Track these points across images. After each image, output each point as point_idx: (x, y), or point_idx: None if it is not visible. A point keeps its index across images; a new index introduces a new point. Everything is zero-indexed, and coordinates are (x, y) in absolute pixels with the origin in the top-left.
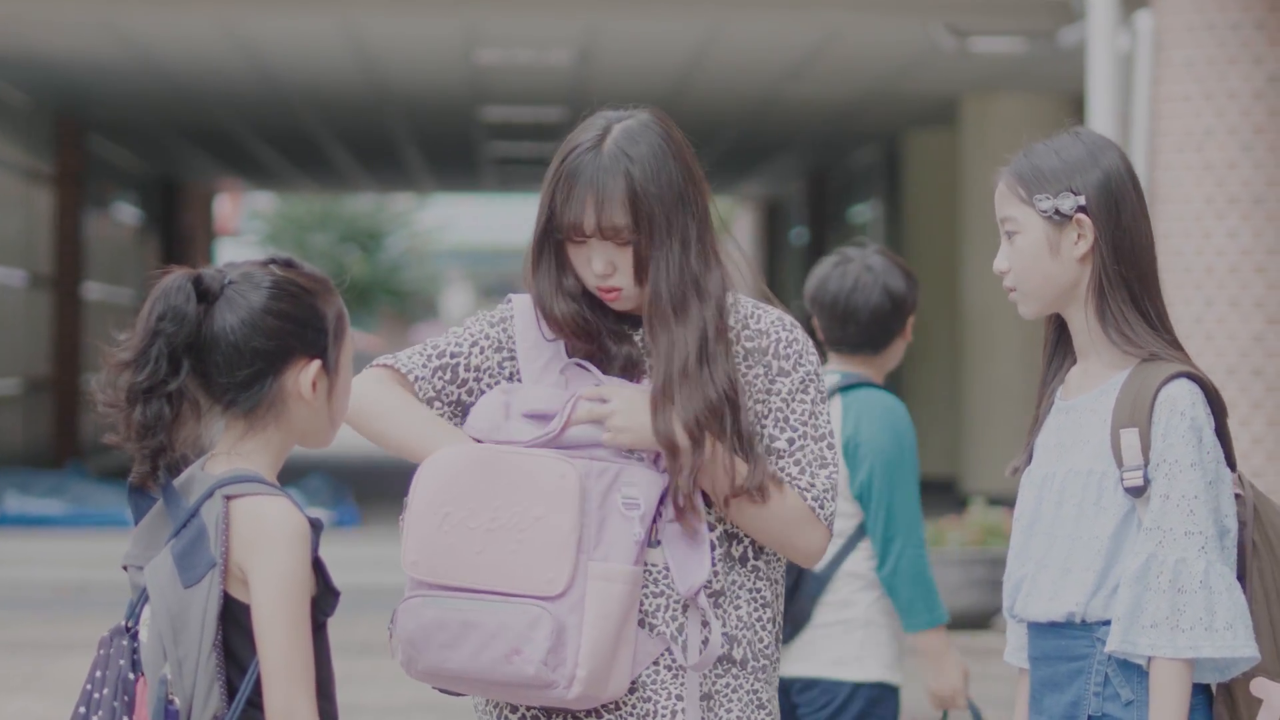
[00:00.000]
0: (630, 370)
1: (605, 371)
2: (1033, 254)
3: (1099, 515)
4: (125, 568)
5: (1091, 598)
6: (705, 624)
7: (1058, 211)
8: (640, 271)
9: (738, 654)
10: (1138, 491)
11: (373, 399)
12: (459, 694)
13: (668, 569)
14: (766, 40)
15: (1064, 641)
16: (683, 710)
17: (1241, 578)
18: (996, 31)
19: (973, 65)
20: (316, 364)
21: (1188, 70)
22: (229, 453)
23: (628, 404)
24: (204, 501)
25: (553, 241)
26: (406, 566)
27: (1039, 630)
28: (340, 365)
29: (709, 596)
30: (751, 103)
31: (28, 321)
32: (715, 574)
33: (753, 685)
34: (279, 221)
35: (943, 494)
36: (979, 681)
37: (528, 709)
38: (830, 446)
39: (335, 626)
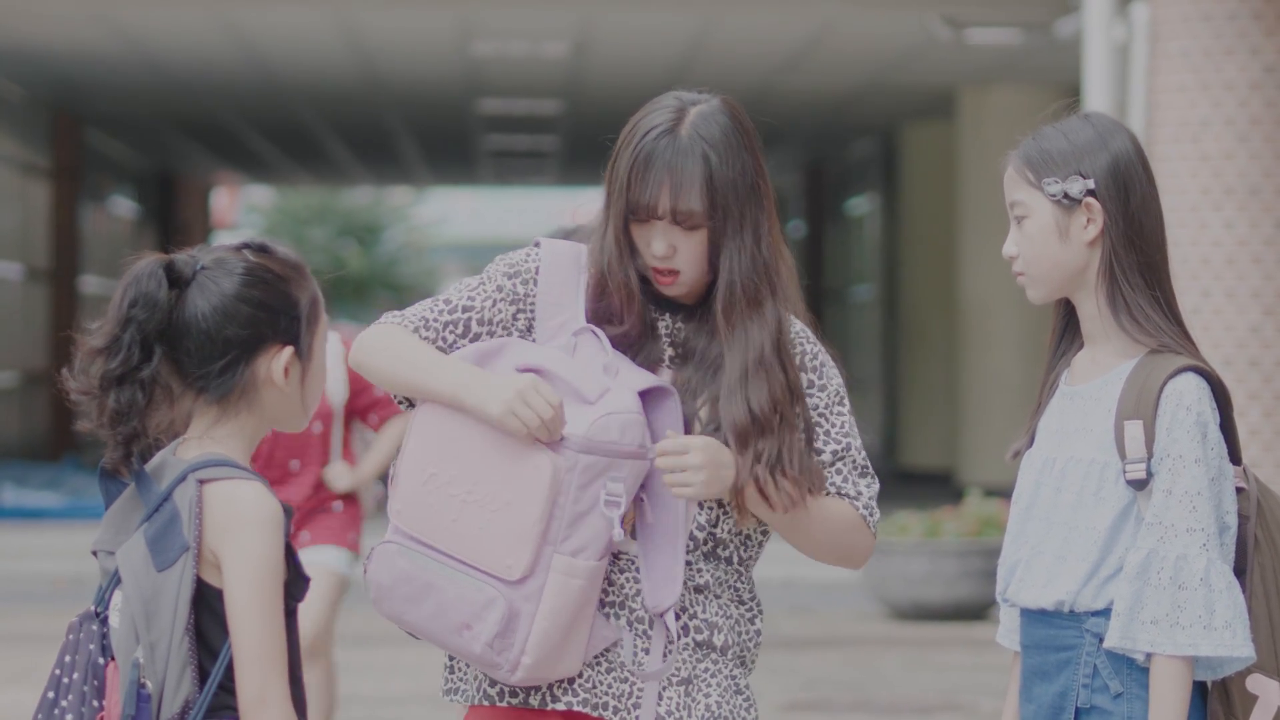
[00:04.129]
0: (648, 364)
1: (625, 346)
2: (1041, 238)
3: (1098, 505)
4: (95, 553)
5: (1083, 587)
6: (669, 637)
7: (1066, 195)
8: (711, 259)
9: (718, 640)
10: (1140, 485)
11: (376, 341)
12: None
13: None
14: (762, 32)
15: (1053, 630)
16: (661, 691)
17: (1241, 573)
18: (993, 23)
19: (969, 57)
20: (289, 350)
21: (1184, 61)
22: (201, 437)
23: (711, 460)
24: (177, 485)
25: (621, 215)
26: (391, 513)
27: (1030, 617)
28: (313, 350)
29: (694, 591)
30: (747, 95)
31: (24, 315)
32: (699, 570)
33: (731, 671)
34: (276, 215)
35: (939, 485)
36: (975, 671)
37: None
38: (866, 457)
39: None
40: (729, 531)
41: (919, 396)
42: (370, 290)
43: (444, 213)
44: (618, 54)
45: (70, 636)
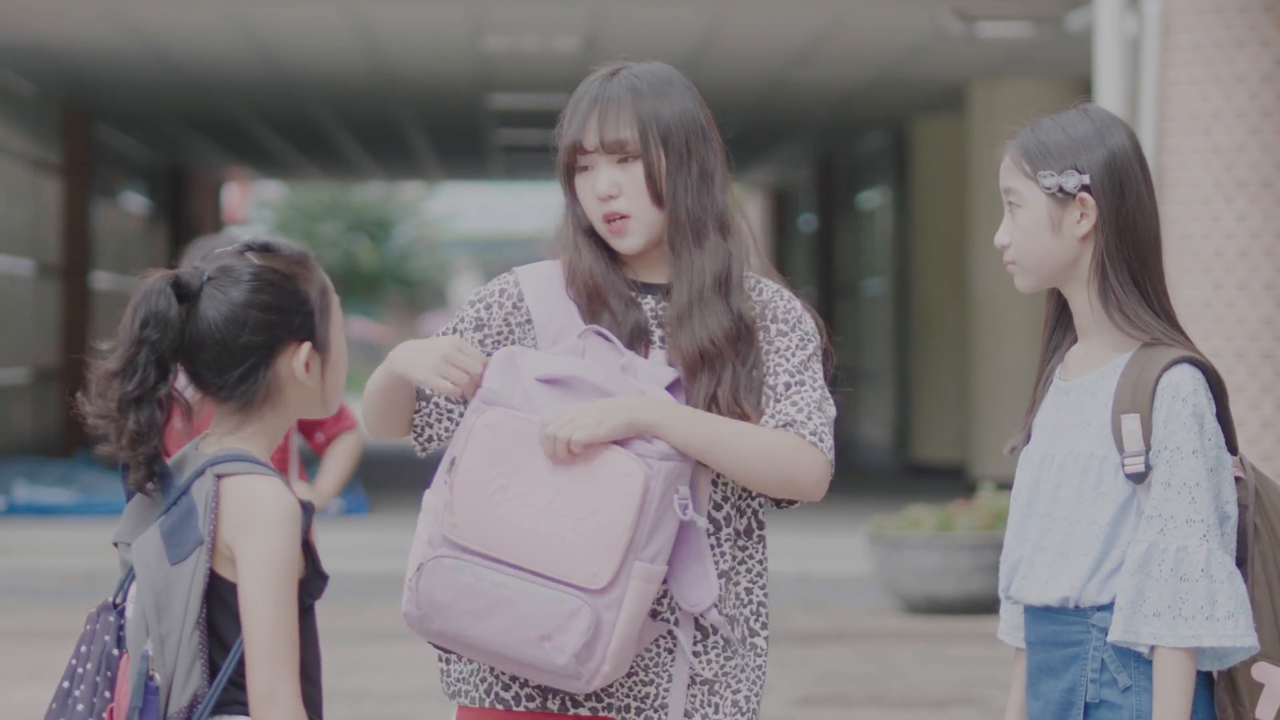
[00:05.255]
0: (638, 339)
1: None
2: (1034, 230)
3: (1098, 500)
4: (116, 544)
5: (1087, 583)
6: (722, 634)
7: (1061, 189)
8: (653, 193)
9: (737, 633)
10: (1139, 477)
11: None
12: (452, 653)
13: None
14: (773, 26)
15: (1059, 627)
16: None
17: (1242, 561)
18: (1004, 16)
19: (980, 50)
20: (307, 346)
21: (1195, 53)
22: (223, 435)
23: (581, 412)
24: (195, 480)
25: (570, 187)
26: (447, 528)
27: (1035, 614)
28: (331, 338)
29: (718, 577)
30: (758, 89)
31: (36, 311)
32: (723, 553)
33: (757, 663)
34: (287, 210)
35: (952, 479)
36: (988, 665)
37: (526, 683)
38: (828, 399)
39: (344, 613)
40: (733, 506)
41: (931, 390)
42: (381, 285)
43: (455, 208)
44: (629, 49)
45: (88, 627)
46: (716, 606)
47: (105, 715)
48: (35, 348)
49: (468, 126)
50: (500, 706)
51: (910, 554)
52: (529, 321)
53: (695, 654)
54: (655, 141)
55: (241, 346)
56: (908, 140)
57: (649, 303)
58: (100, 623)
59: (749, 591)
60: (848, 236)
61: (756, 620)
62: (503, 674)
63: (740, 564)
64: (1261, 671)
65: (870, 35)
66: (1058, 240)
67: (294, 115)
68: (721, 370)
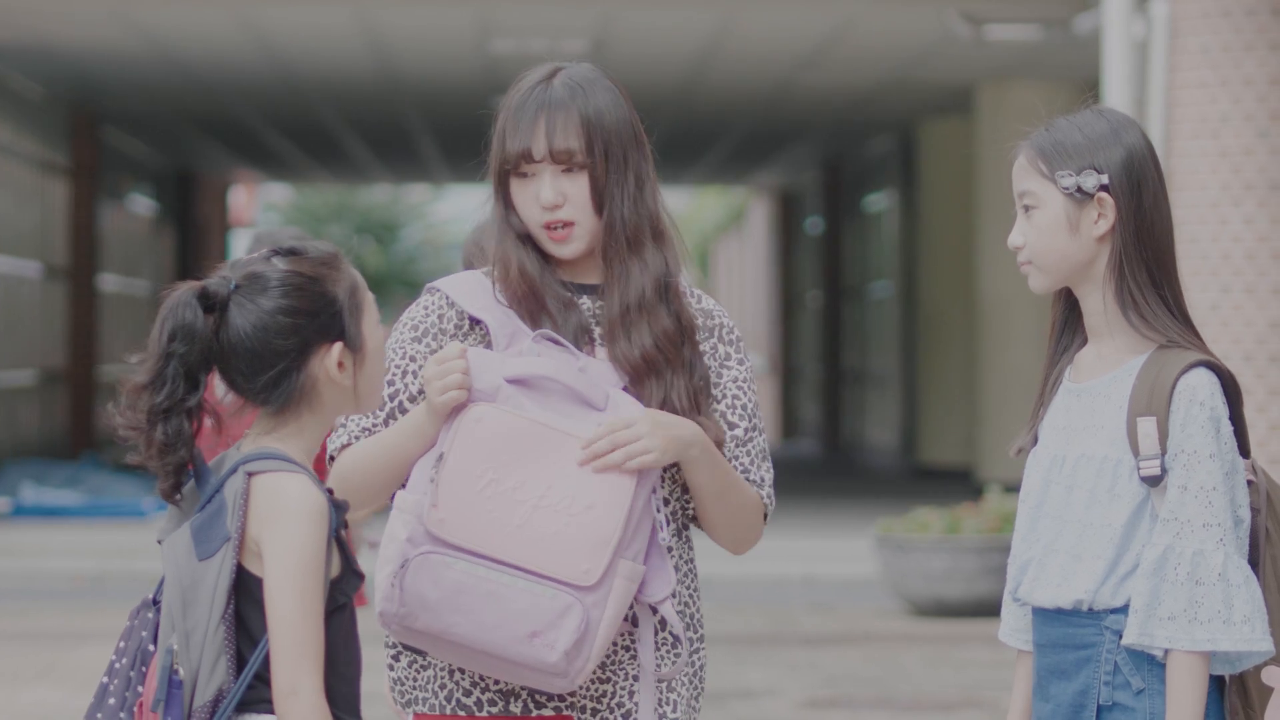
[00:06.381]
0: (581, 339)
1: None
2: (1051, 231)
3: (1112, 503)
4: (159, 542)
5: (1101, 585)
6: (665, 622)
7: (1080, 189)
8: (596, 202)
9: (683, 633)
10: (1154, 481)
11: (343, 476)
12: (421, 653)
13: None
14: (781, 29)
15: (1071, 629)
16: (638, 690)
17: (1254, 565)
18: (1012, 19)
19: (988, 53)
20: (338, 346)
21: (1203, 57)
22: (260, 435)
23: (657, 423)
24: (227, 478)
25: (504, 192)
26: (433, 523)
27: (1046, 616)
28: (364, 335)
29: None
30: (766, 92)
31: (43, 313)
32: (670, 550)
33: (699, 663)
34: (294, 213)
35: (959, 482)
36: (996, 668)
37: (488, 687)
38: (766, 441)
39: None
40: (671, 508)
41: (938, 393)
42: (388, 288)
43: (462, 210)
44: (636, 51)
45: (129, 623)
46: (672, 599)
47: (136, 709)
48: (42, 349)
49: (475, 129)
50: (462, 713)
51: (917, 556)
52: (470, 330)
53: (662, 645)
54: (600, 151)
55: (272, 352)
56: (915, 143)
57: (585, 303)
58: (139, 619)
59: (691, 592)
60: (855, 239)
61: (694, 620)
62: (463, 680)
63: (684, 560)
64: (1271, 675)
65: (878, 38)
66: (1075, 241)
67: (301, 118)
68: (671, 375)
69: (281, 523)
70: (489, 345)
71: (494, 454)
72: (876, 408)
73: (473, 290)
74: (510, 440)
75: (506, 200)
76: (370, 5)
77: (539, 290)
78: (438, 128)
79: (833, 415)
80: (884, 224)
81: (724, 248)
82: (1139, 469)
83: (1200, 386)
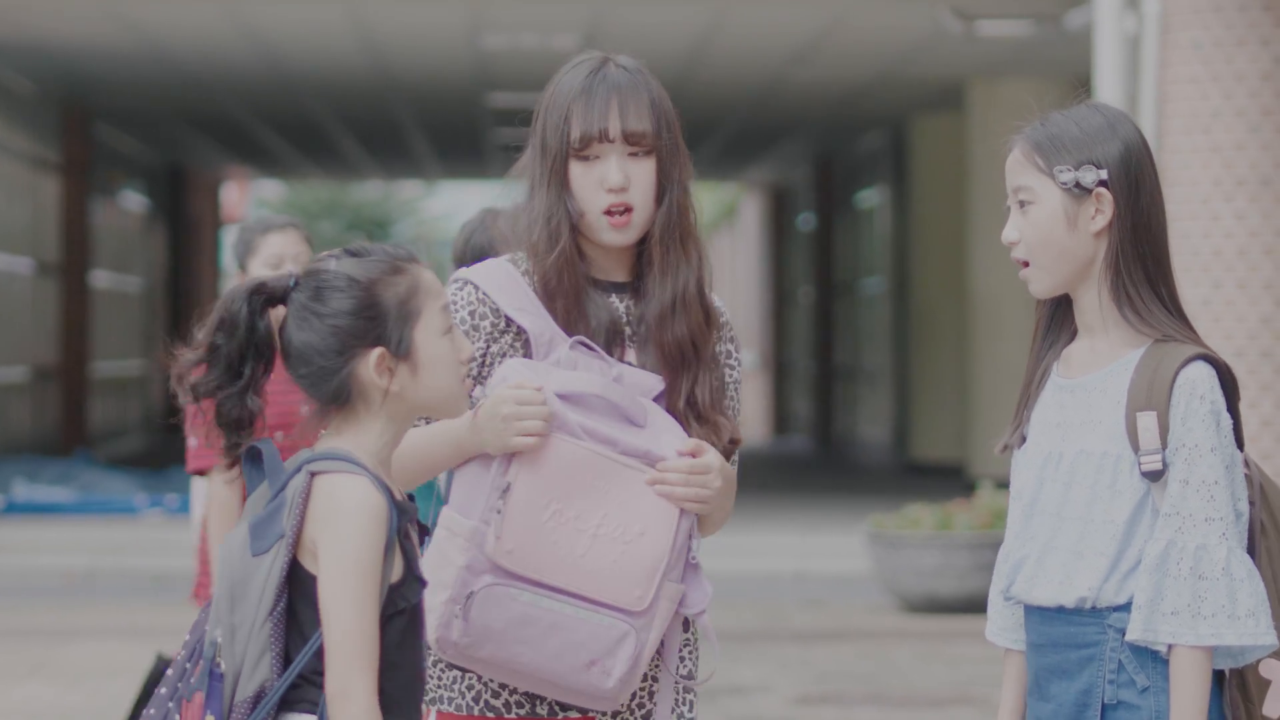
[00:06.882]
0: (614, 339)
1: (591, 339)
2: (1048, 226)
3: (1114, 499)
4: None
5: (1104, 582)
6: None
7: (1078, 184)
8: (658, 189)
9: (715, 638)
10: (1155, 476)
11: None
12: (470, 671)
13: None
14: (772, 25)
15: (1073, 628)
16: (658, 690)
17: (1251, 556)
18: (1003, 15)
19: (979, 49)
20: (377, 351)
21: (1195, 52)
22: (330, 434)
23: (726, 480)
24: (292, 476)
25: (561, 178)
26: (499, 555)
27: (1044, 615)
28: (415, 342)
29: None
30: (757, 88)
31: (35, 310)
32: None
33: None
34: (286, 209)
35: (951, 478)
36: (988, 664)
37: (515, 690)
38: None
39: None
40: None
41: (930, 389)
42: None
43: (454, 207)
44: (628, 47)
45: (199, 616)
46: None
47: (185, 701)
48: (34, 346)
49: (466, 125)
50: (490, 714)
51: (909, 553)
52: (506, 332)
53: (681, 657)
54: (665, 137)
55: (315, 350)
56: (907, 139)
57: (613, 301)
58: (206, 612)
59: None
60: (847, 235)
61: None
62: (492, 682)
63: None
64: (1269, 668)
65: (869, 34)
66: (1073, 236)
67: (293, 114)
68: (699, 370)
69: (337, 523)
70: (526, 348)
71: (558, 484)
72: (868, 404)
73: (505, 285)
74: (573, 471)
75: (564, 185)
76: (361, 1)
77: (580, 284)
78: (429, 124)
79: (824, 411)
80: (876, 220)
81: (716, 244)
82: (1140, 464)
83: (1200, 380)
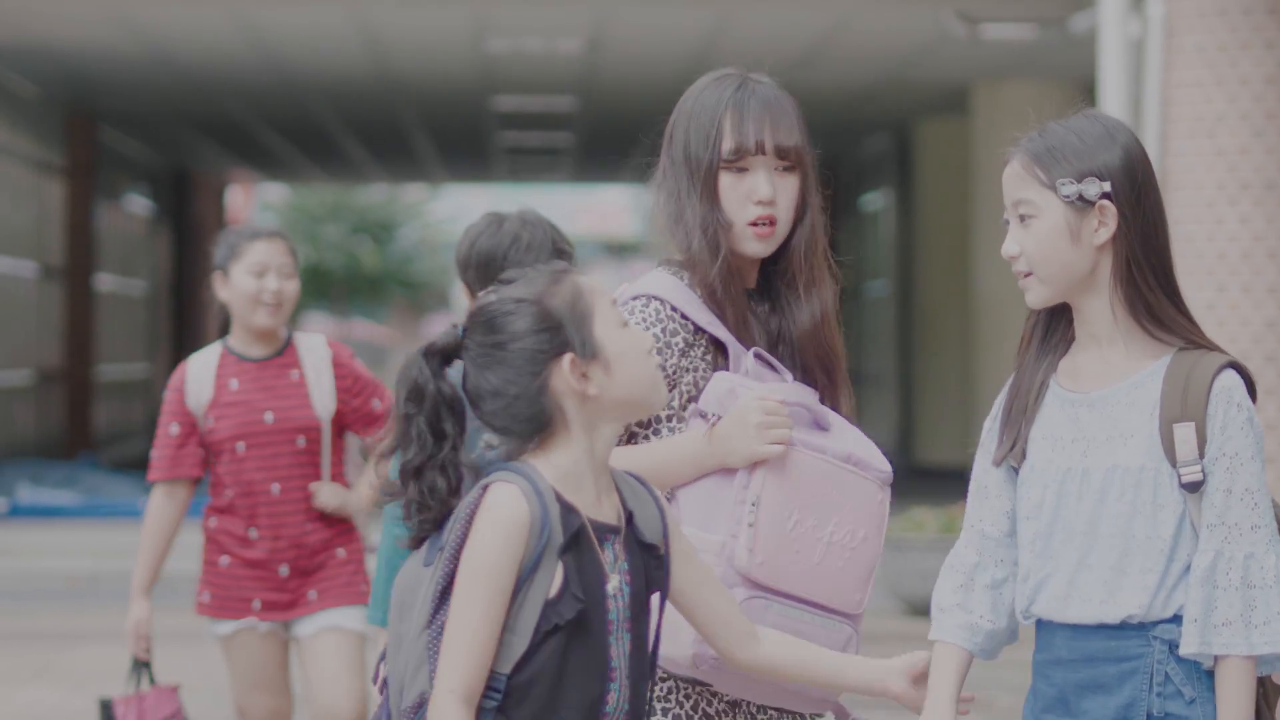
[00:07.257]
0: (771, 349)
1: (751, 344)
2: (1051, 240)
3: (1158, 513)
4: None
5: (1154, 598)
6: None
7: (1081, 197)
8: (800, 204)
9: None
10: (1195, 487)
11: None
12: (707, 684)
13: None
14: (776, 28)
15: (1114, 642)
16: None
17: None
18: (1007, 18)
19: (984, 53)
20: (566, 359)
21: (1199, 56)
22: (526, 453)
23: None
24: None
25: (710, 190)
26: (751, 566)
27: (1078, 632)
28: (598, 339)
29: None
30: None
31: (39, 313)
32: None
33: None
34: (290, 213)
35: (955, 481)
36: (992, 668)
37: (715, 697)
38: None
39: None
40: None
41: (934, 392)
42: (385, 288)
43: (458, 210)
44: (633, 50)
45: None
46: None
47: None
48: (39, 349)
49: (471, 128)
50: None
51: (913, 556)
52: (695, 345)
53: None
54: (809, 155)
55: (508, 382)
56: (911, 143)
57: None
58: None
59: None
60: (851, 239)
61: None
62: (708, 688)
63: None
64: None
65: (874, 38)
66: (1076, 250)
67: (297, 117)
68: (838, 382)
69: (476, 526)
70: (715, 361)
71: (799, 495)
72: (873, 407)
73: (690, 298)
74: (811, 480)
75: (714, 196)
76: (366, 5)
77: (743, 293)
78: (434, 127)
79: None
80: (880, 223)
81: None
82: (1179, 476)
83: (1235, 388)
